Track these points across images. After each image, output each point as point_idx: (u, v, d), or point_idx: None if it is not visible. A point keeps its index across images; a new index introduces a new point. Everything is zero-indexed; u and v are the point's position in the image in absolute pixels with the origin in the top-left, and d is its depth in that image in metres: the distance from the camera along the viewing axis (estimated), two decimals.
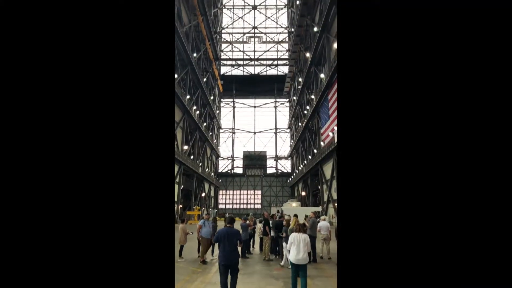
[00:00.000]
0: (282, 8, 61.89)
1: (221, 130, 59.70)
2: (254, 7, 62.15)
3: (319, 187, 32.77)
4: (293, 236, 4.48)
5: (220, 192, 56.96)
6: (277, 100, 61.92)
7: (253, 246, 9.92)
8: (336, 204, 25.17)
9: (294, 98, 49.98)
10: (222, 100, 61.28)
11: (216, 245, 8.42)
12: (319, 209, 24.86)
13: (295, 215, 7.41)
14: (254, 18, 62.28)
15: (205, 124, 42.74)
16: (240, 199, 57.90)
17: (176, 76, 29.18)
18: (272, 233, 8.07)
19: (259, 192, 57.69)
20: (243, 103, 62.31)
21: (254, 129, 61.05)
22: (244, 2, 62.41)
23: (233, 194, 58.02)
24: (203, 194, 41.58)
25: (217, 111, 55.75)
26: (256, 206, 56.12)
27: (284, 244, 7.08)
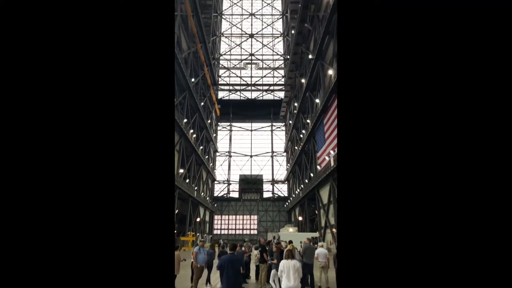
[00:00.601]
0: (278, 37, 64.48)
1: (217, 154, 59.57)
2: (251, 35, 64.69)
3: (316, 212, 32.25)
4: (282, 264, 4.38)
5: (216, 217, 55.64)
6: (274, 124, 62.63)
7: (248, 274, 9.54)
8: (334, 230, 24.61)
9: (290, 122, 50.64)
10: (219, 123, 61.85)
11: (212, 273, 8.21)
12: (316, 234, 24.13)
13: (290, 242, 7.22)
14: (251, 45, 64.58)
15: (201, 147, 42.71)
16: (235, 224, 56.45)
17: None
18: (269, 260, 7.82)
19: (255, 217, 56.45)
20: (240, 127, 62.86)
21: (250, 153, 61.10)
22: (242, 30, 65.07)
23: (228, 219, 56.61)
24: (198, 219, 40.59)
25: (214, 135, 55.96)
26: (252, 232, 54.69)
27: (273, 271, 6.84)
